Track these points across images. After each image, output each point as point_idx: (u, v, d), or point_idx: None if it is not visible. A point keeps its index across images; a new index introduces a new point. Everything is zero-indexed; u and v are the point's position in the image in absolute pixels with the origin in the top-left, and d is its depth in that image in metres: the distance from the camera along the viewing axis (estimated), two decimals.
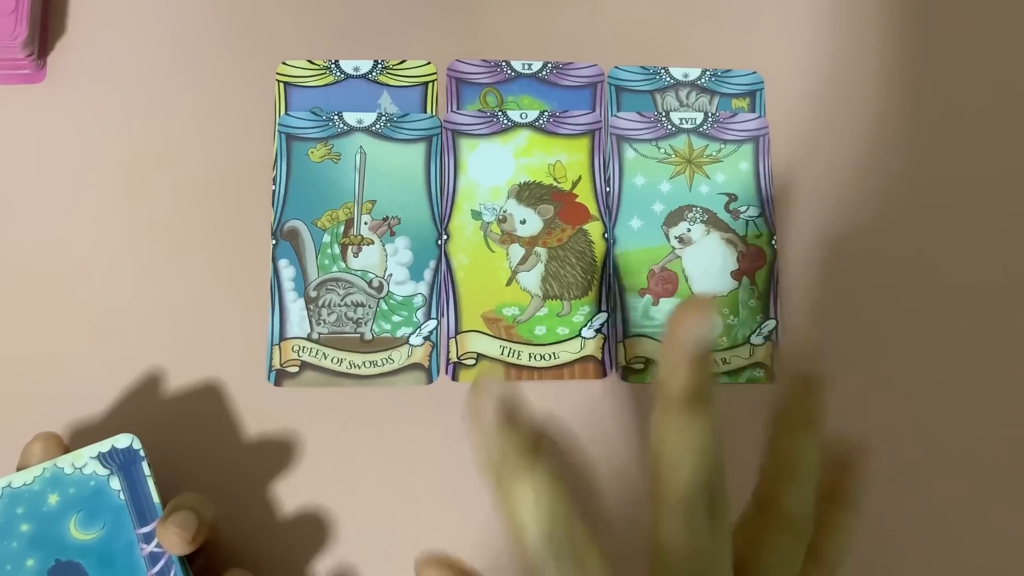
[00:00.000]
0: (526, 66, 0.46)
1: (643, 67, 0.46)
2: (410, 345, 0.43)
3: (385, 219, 0.44)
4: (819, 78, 0.47)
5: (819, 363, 0.31)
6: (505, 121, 0.45)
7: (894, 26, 0.48)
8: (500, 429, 0.28)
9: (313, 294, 0.43)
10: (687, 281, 0.44)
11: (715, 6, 0.47)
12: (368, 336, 0.43)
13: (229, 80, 0.45)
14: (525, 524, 0.28)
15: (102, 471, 0.35)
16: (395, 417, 0.42)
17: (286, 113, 0.44)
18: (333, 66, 0.45)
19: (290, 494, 0.41)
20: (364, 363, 0.42)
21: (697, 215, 0.45)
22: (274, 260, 0.43)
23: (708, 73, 0.46)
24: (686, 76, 0.46)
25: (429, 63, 0.45)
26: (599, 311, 0.44)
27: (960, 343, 0.44)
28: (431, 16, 0.46)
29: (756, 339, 0.44)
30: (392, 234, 0.44)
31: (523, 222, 0.44)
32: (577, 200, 0.45)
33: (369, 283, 0.43)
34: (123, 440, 0.35)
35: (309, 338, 0.42)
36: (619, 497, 0.41)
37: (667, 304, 0.44)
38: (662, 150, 0.45)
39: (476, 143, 0.45)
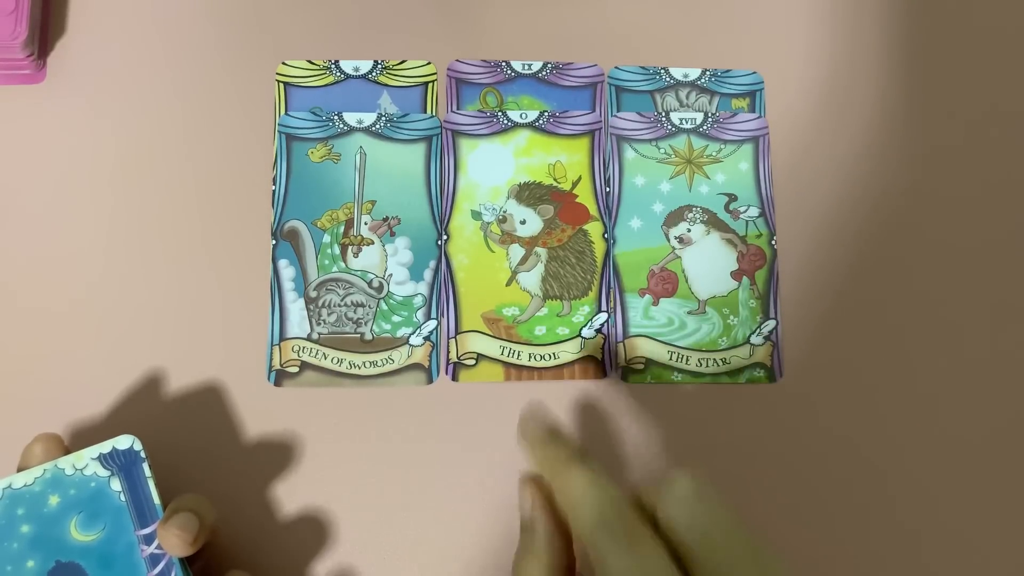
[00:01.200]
0: (526, 66, 0.46)
1: (643, 67, 0.46)
2: (410, 345, 0.43)
3: (385, 219, 0.44)
4: (819, 78, 0.47)
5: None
6: (505, 121, 0.45)
7: (893, 26, 0.48)
8: (553, 435, 0.33)
9: (313, 294, 0.43)
10: (687, 281, 0.44)
11: (715, 6, 0.47)
12: (368, 336, 0.43)
13: (229, 80, 0.45)
14: (582, 509, 0.30)
15: (103, 472, 0.35)
16: (395, 417, 0.42)
17: (286, 113, 0.44)
18: (333, 66, 0.45)
19: (290, 495, 0.41)
20: (364, 363, 0.42)
21: (697, 215, 0.45)
22: (274, 260, 0.43)
23: (708, 73, 0.46)
24: (686, 76, 0.46)
25: (429, 63, 0.45)
26: (599, 311, 0.44)
27: (961, 342, 0.44)
28: (431, 16, 0.46)
29: (756, 339, 0.44)
30: (392, 234, 0.44)
31: (523, 222, 0.44)
32: (577, 200, 0.45)
33: (369, 283, 0.43)
34: (124, 441, 0.36)
35: (309, 338, 0.42)
36: None
37: (667, 304, 0.44)
38: (662, 150, 0.45)
39: (476, 143, 0.45)
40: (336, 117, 0.44)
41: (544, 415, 0.35)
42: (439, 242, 0.44)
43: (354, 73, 0.45)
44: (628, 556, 0.28)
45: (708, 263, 0.44)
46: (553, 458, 0.33)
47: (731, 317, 0.44)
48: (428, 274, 0.43)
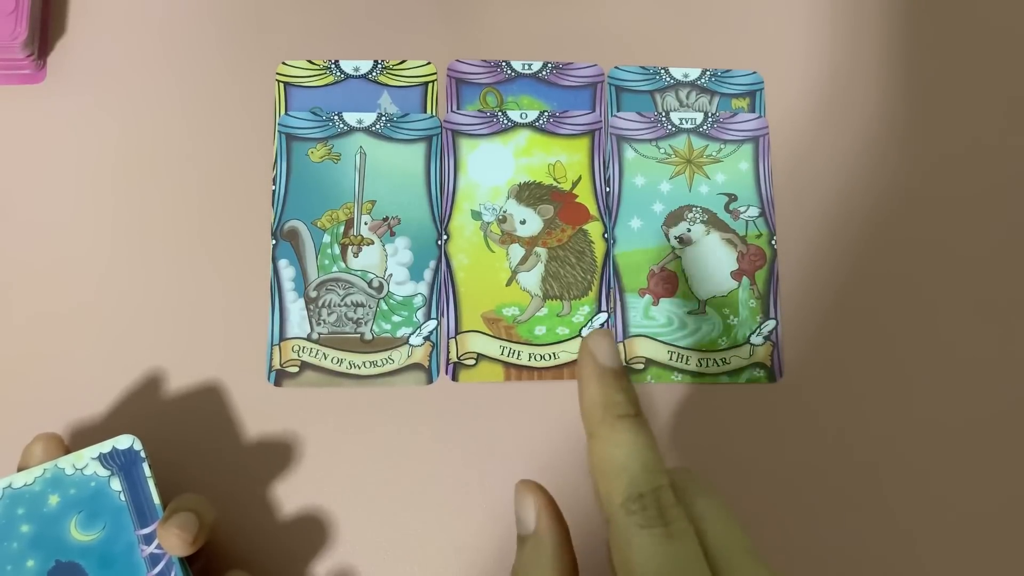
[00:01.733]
0: (526, 66, 0.46)
1: (643, 67, 0.46)
2: (410, 345, 0.43)
3: (385, 219, 0.44)
4: (819, 78, 0.47)
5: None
6: (505, 121, 0.45)
7: (893, 26, 0.48)
8: (616, 376, 0.28)
9: (313, 294, 0.43)
10: (687, 281, 0.44)
11: (715, 6, 0.47)
12: (368, 336, 0.43)
13: (229, 80, 0.45)
14: (619, 475, 0.26)
15: (103, 472, 0.35)
16: (395, 417, 0.42)
17: (286, 113, 0.44)
18: (333, 66, 0.45)
19: (290, 495, 0.41)
20: (364, 363, 0.42)
21: (697, 215, 0.45)
22: (274, 260, 0.43)
23: (708, 73, 0.46)
24: (686, 76, 0.46)
25: (429, 63, 0.45)
26: (599, 311, 0.44)
27: (961, 342, 0.44)
28: (431, 16, 0.46)
29: (756, 339, 0.44)
30: (392, 234, 0.44)
31: (523, 222, 0.44)
32: (577, 200, 0.45)
33: (369, 283, 0.43)
34: (124, 441, 0.36)
35: (309, 338, 0.42)
36: None
37: (667, 304, 0.44)
38: (662, 150, 0.45)
39: (476, 143, 0.45)
40: (336, 117, 0.44)
41: (614, 345, 0.29)
42: (439, 242, 0.44)
43: (354, 73, 0.45)
44: (662, 543, 0.25)
45: (708, 263, 0.44)
46: (605, 403, 0.28)
47: (731, 317, 0.44)
48: (428, 274, 0.43)
